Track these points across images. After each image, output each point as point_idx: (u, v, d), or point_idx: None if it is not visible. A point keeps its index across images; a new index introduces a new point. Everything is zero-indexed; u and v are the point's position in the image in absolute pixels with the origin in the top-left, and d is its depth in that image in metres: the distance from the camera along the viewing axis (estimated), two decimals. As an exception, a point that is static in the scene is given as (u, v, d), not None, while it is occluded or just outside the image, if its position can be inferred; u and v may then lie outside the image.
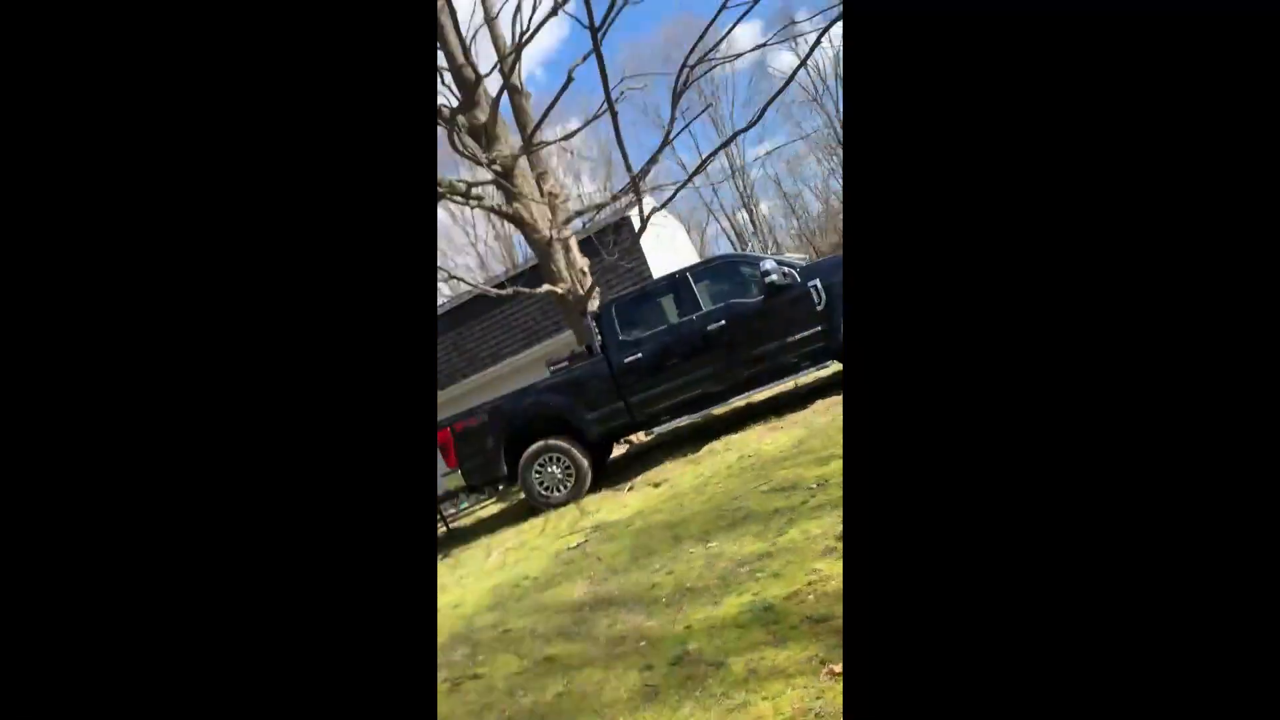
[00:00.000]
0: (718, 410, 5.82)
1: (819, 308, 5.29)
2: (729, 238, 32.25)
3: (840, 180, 29.46)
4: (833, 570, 2.28)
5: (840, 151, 28.61)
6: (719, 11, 5.95)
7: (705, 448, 5.40)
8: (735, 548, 2.88)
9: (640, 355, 5.57)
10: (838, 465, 3.41)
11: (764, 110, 6.89)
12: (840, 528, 2.58)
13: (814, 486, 3.25)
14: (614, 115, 5.87)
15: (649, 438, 6.52)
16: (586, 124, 6.52)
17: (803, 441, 4.29)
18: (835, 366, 5.79)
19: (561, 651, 2.55)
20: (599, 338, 5.75)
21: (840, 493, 2.98)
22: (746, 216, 32.36)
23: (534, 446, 5.65)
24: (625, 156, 6.90)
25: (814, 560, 2.41)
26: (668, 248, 12.30)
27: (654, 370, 5.55)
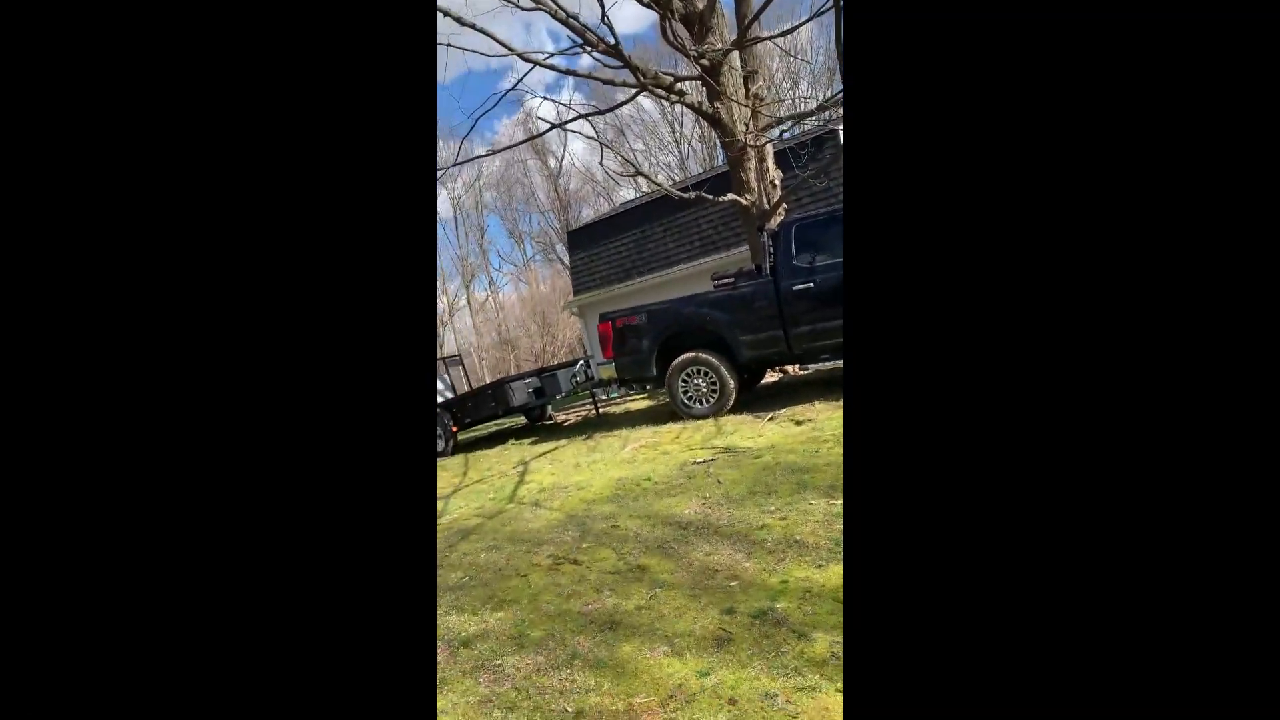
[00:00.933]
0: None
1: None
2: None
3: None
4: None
5: None
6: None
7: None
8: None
9: (811, 285, 5.19)
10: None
11: None
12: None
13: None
14: (838, 11, 5.16)
15: (804, 372, 6.20)
16: (808, 19, 5.82)
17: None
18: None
19: (656, 565, 2.59)
20: (772, 259, 5.43)
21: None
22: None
23: (684, 356, 5.64)
24: (841, 60, 6.13)
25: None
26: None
27: (823, 303, 5.16)
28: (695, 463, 4.15)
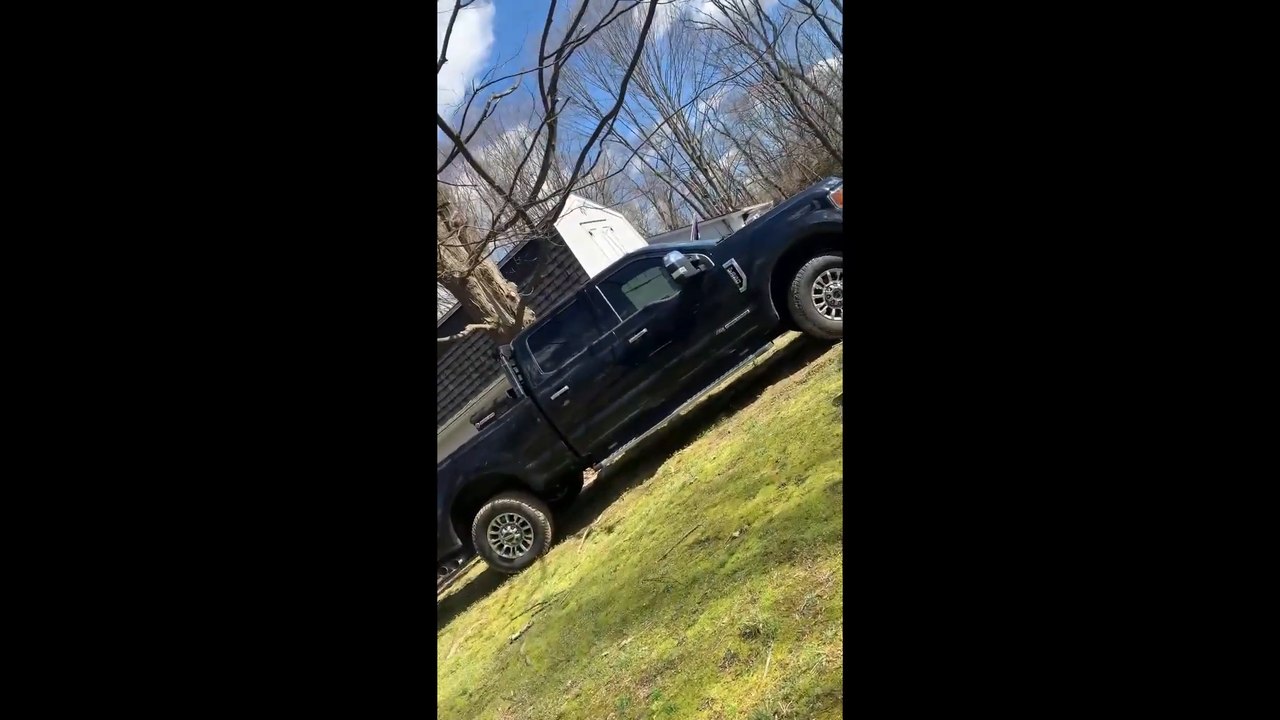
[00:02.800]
0: (684, 411, 5.29)
1: (742, 289, 4.72)
2: (691, 204, 31.43)
3: (791, 112, 28.46)
4: (726, 696, 1.76)
5: (781, 85, 27.59)
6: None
7: (660, 468, 4.89)
8: (645, 649, 2.37)
9: (567, 387, 5.04)
10: (762, 497, 2.88)
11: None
12: (745, 610, 2.08)
13: (736, 534, 2.72)
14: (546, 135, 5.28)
15: (597, 474, 6.01)
16: (450, 158, 5.88)
17: (741, 456, 3.75)
18: (779, 344, 5.23)
19: None
20: (519, 378, 5.22)
21: (756, 543, 2.46)
22: (704, 177, 31.46)
23: (482, 511, 5.17)
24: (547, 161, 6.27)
25: (711, 681, 1.89)
26: (611, 243, 11.64)
27: (586, 399, 5.02)
28: (512, 639, 3.67)
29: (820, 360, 4.50)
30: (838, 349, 4.43)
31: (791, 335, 5.34)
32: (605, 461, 5.28)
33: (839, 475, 2.57)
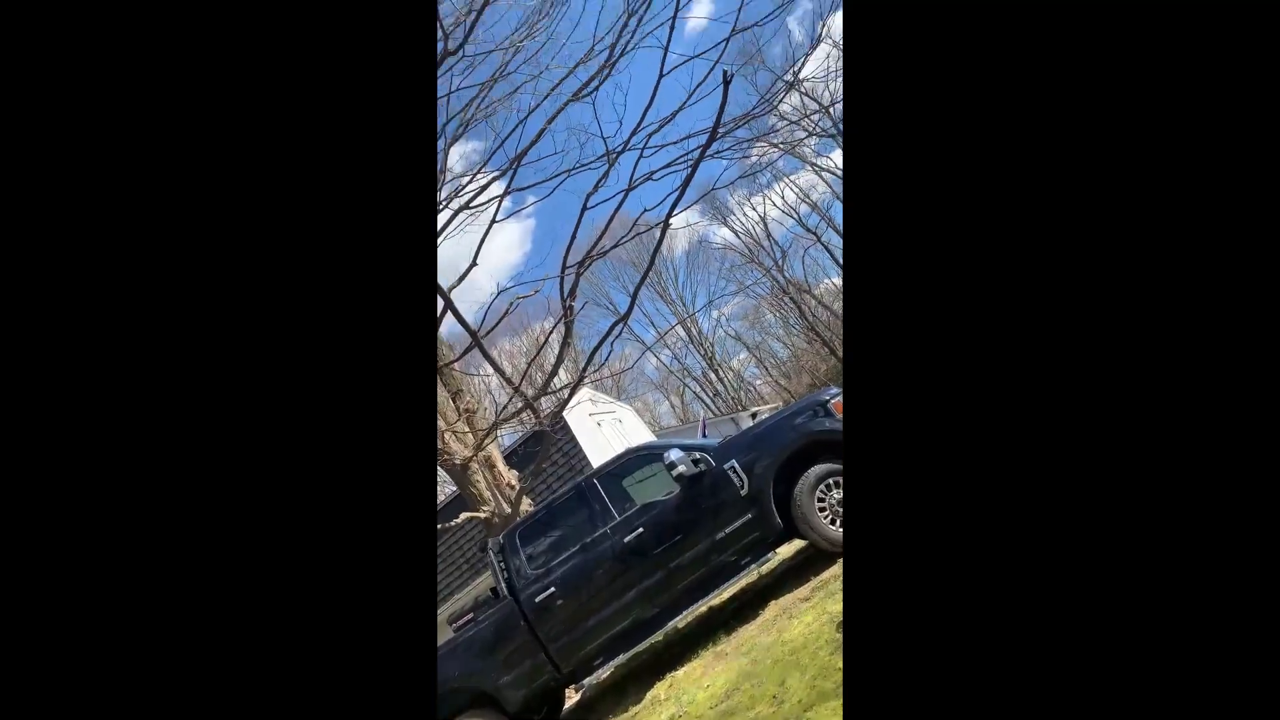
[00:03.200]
0: (681, 623, 4.81)
1: (743, 491, 4.56)
2: (702, 400, 32.23)
3: (799, 322, 30.24)
4: None
5: (787, 301, 29.72)
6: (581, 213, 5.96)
7: (649, 694, 4.34)
8: None
9: (554, 589, 4.68)
10: (757, 745, 2.48)
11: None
12: None
13: (724, 793, 2.29)
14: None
15: (580, 693, 5.37)
16: (467, 351, 6.22)
17: (737, 686, 3.33)
18: (782, 554, 4.94)
19: None
20: (504, 575, 4.88)
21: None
22: (715, 375, 32.63)
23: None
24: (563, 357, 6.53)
25: None
26: (618, 435, 11.72)
27: (574, 603, 4.63)
28: None
29: (826, 575, 4.20)
30: (839, 568, 4.14)
31: (799, 543, 5.06)
32: (589, 680, 4.72)
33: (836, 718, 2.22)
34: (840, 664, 2.67)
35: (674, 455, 4.62)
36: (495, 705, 4.61)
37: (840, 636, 2.92)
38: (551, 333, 8.05)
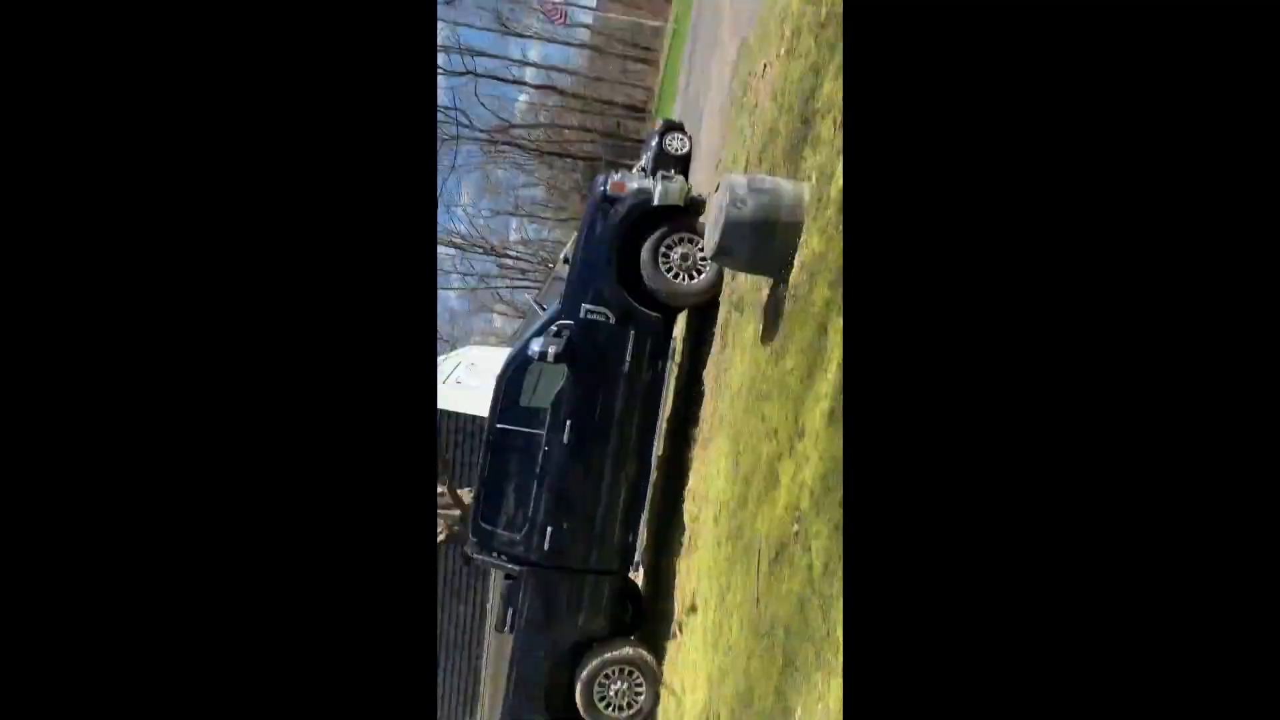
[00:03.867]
0: (660, 450, 4.97)
1: (612, 321, 4.51)
2: (519, 288, 31.49)
3: (524, 153, 29.12)
4: None
5: (501, 144, 28.22)
6: None
7: (685, 519, 4.56)
8: (819, 706, 2.03)
9: (549, 527, 4.63)
10: (785, 475, 2.63)
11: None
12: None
13: (795, 528, 2.45)
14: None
15: (640, 568, 5.62)
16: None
17: (735, 451, 3.50)
18: (677, 334, 5.07)
19: None
20: (502, 559, 4.77)
21: (823, 526, 2.20)
22: (510, 259, 31.61)
23: (577, 691, 4.63)
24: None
25: None
26: (484, 373, 11.20)
27: (576, 525, 4.63)
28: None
29: (720, 322, 4.37)
30: (727, 300, 4.30)
31: (682, 318, 5.20)
32: (636, 558, 4.90)
33: (825, 404, 2.35)
34: (790, 365, 2.80)
35: (536, 346, 4.41)
36: (593, 640, 4.73)
37: (769, 345, 3.06)
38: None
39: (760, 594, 2.71)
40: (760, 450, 3.01)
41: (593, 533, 4.64)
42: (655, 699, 4.58)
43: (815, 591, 2.18)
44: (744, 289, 3.83)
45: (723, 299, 4.34)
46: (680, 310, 4.81)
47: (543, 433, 4.64)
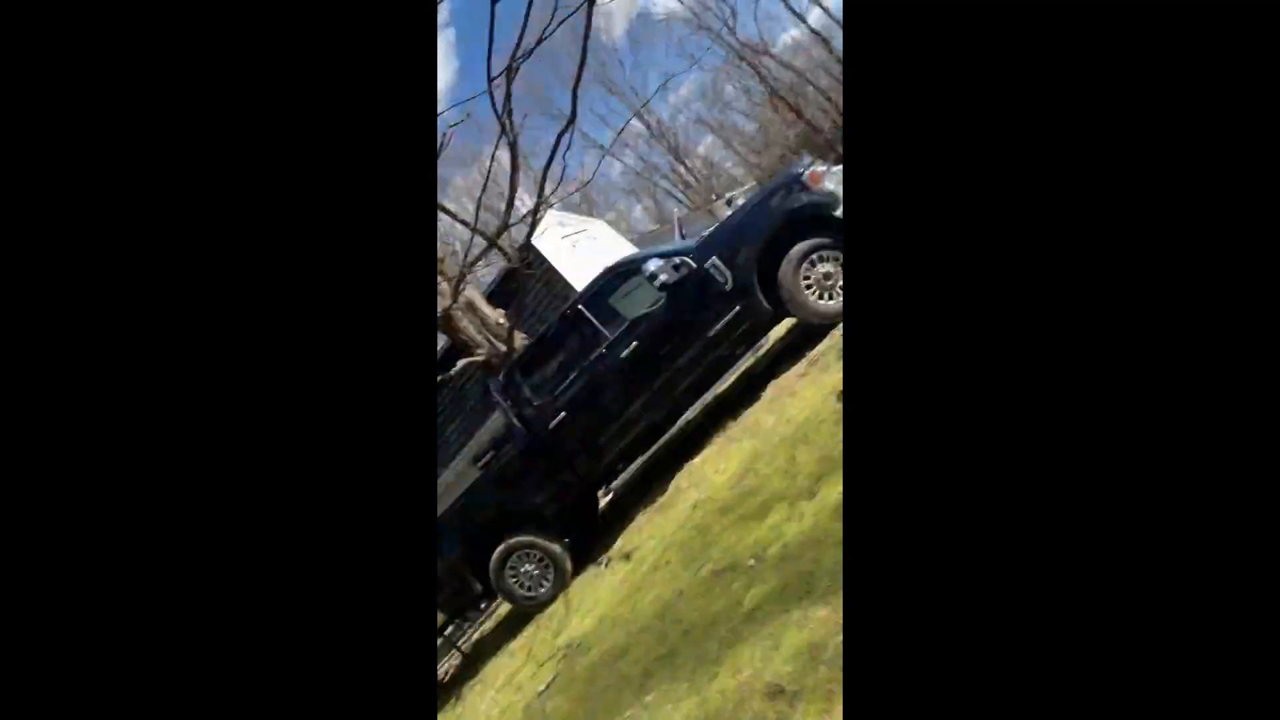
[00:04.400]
0: (690, 415, 5.08)
1: (728, 287, 4.51)
2: (675, 196, 31.18)
3: (760, 90, 28.11)
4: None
5: (744, 66, 27.26)
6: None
7: (672, 484, 4.69)
8: (669, 709, 2.17)
9: (564, 415, 4.85)
10: (775, 517, 2.68)
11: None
12: (768, 660, 1.88)
13: (752, 563, 2.52)
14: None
15: (611, 494, 5.83)
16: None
17: (751, 467, 3.55)
18: (774, 335, 5.02)
19: None
20: (513, 410, 5.04)
21: (773, 575, 2.27)
22: (684, 168, 31.20)
23: (496, 553, 5.00)
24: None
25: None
26: (595, 252, 11.41)
27: (586, 424, 4.83)
28: (540, 692, 3.49)
29: (817, 351, 4.30)
30: (834, 337, 4.21)
31: (788, 323, 5.13)
32: (615, 483, 5.10)
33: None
34: (837, 433, 2.79)
35: (652, 266, 4.48)
36: (537, 522, 5.04)
37: (839, 409, 3.03)
38: (494, 156, 7.39)
39: (687, 591, 2.84)
40: (770, 483, 3.05)
41: (595, 441, 4.84)
42: (551, 600, 4.90)
43: (731, 626, 2.28)
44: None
45: (833, 334, 4.25)
46: (793, 318, 4.75)
47: (610, 337, 4.78)
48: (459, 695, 5.15)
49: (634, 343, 4.69)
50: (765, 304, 4.45)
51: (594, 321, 4.88)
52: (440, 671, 7.10)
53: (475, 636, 6.73)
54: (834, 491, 2.43)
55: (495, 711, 4.01)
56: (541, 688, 3.53)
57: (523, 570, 5.02)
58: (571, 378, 4.87)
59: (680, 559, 3.25)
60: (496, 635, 5.84)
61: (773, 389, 4.51)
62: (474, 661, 5.76)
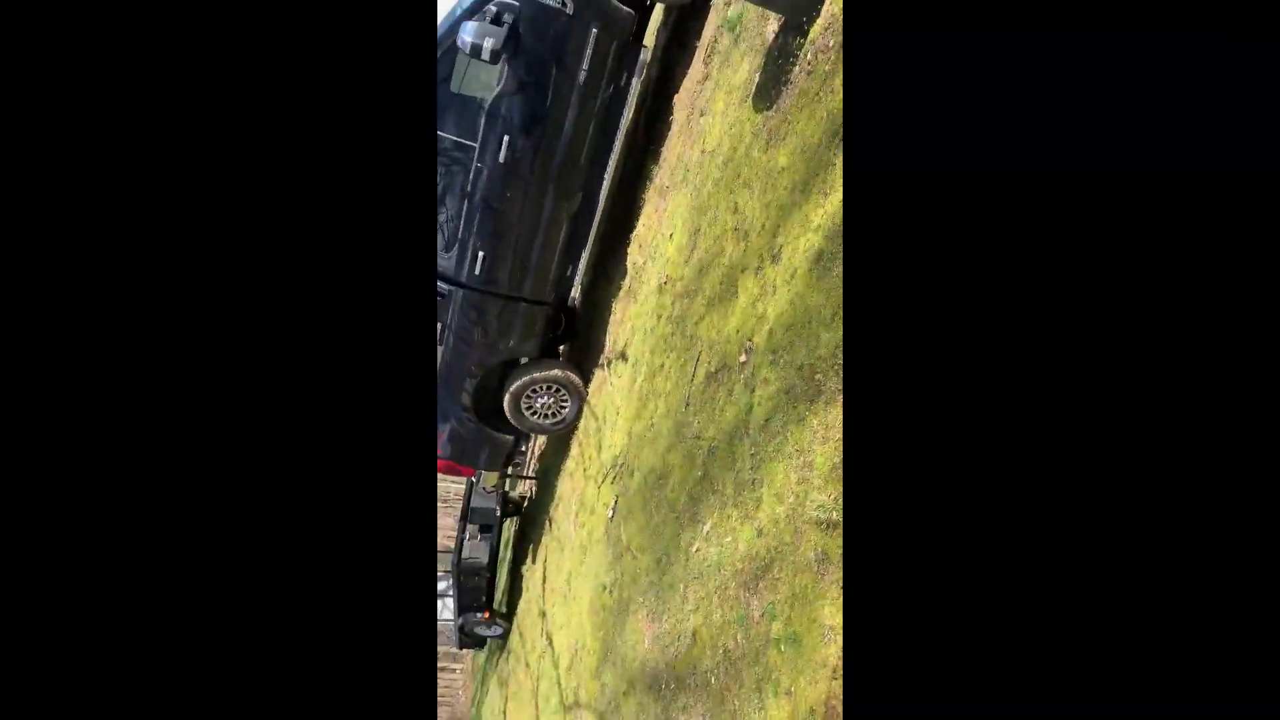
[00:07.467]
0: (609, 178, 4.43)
1: (569, 10, 3.48)
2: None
3: None
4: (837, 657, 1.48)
5: None
6: None
7: (628, 261, 4.29)
8: (730, 542, 2.10)
9: (481, 252, 4.26)
10: (746, 295, 2.31)
11: None
12: (805, 481, 1.70)
13: (743, 359, 2.24)
14: None
15: (578, 299, 5.40)
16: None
17: (696, 226, 3.07)
18: (651, 33, 4.05)
19: None
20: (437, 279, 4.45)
21: (773, 375, 2.00)
22: None
23: (505, 403, 4.90)
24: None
25: (819, 598, 1.60)
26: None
27: (509, 248, 4.26)
28: (610, 519, 3.62)
29: (707, 37, 3.43)
30: (717, 8, 3.32)
31: (659, 11, 4.10)
32: (574, 292, 4.71)
33: (813, 238, 1.93)
34: (776, 162, 2.24)
35: (466, 35, 3.40)
36: (524, 360, 4.82)
37: (761, 120, 2.42)
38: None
39: (692, 399, 2.63)
40: (724, 246, 2.61)
41: (528, 263, 4.33)
42: (579, 413, 4.93)
43: (750, 437, 2.08)
44: (747, 7, 2.90)
45: (715, 19, 3.35)
46: (661, 2, 3.76)
47: (475, 145, 3.92)
48: (550, 518, 5.57)
49: (504, 139, 3.84)
50: (621, 6, 3.46)
51: (448, 136, 3.97)
52: (519, 494, 7.72)
53: (534, 465, 7.11)
54: (797, 248, 2.01)
55: (583, 533, 4.28)
56: (609, 513, 3.64)
57: (539, 404, 4.97)
58: (465, 211, 4.16)
59: (673, 363, 3.01)
60: (547, 468, 6.11)
61: (680, 109, 3.76)
62: (544, 484, 6.13)
